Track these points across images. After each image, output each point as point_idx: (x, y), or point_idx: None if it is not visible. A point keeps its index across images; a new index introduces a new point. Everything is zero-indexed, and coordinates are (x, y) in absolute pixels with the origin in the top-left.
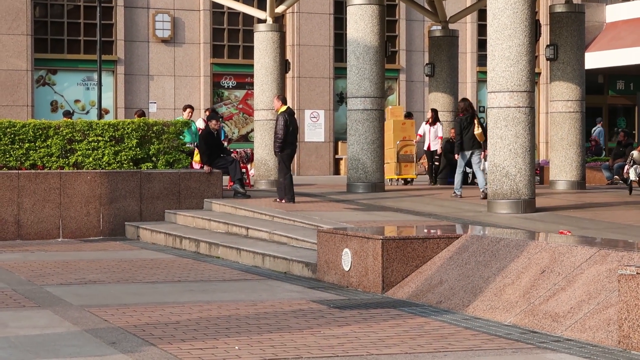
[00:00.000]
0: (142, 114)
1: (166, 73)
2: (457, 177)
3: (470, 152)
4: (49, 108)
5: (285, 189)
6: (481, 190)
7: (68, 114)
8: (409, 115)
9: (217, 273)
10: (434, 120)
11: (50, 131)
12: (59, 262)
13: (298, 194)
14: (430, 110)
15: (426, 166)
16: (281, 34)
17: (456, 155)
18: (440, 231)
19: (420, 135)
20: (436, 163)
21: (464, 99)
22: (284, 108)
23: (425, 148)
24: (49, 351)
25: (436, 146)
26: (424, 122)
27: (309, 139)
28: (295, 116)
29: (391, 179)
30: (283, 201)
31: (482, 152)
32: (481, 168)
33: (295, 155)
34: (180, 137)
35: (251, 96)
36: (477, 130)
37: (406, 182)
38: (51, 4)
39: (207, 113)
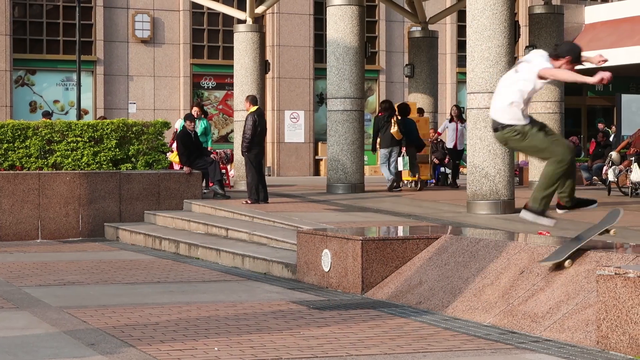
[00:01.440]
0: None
1: (146, 73)
2: (383, 169)
3: (389, 149)
4: (27, 108)
5: (251, 190)
6: (387, 180)
7: (47, 114)
8: (420, 111)
9: (196, 274)
10: (459, 117)
11: (29, 132)
12: (38, 263)
13: (278, 194)
14: (453, 107)
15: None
16: (261, 35)
17: (373, 151)
18: (419, 232)
19: (439, 133)
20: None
21: (385, 101)
22: (253, 108)
23: (451, 146)
24: (27, 352)
25: (462, 144)
26: (447, 119)
27: (289, 140)
28: (275, 117)
29: (406, 181)
30: (249, 202)
31: (401, 148)
32: (402, 163)
33: (275, 156)
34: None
35: (231, 97)
36: (394, 129)
37: (422, 184)
38: (30, 4)
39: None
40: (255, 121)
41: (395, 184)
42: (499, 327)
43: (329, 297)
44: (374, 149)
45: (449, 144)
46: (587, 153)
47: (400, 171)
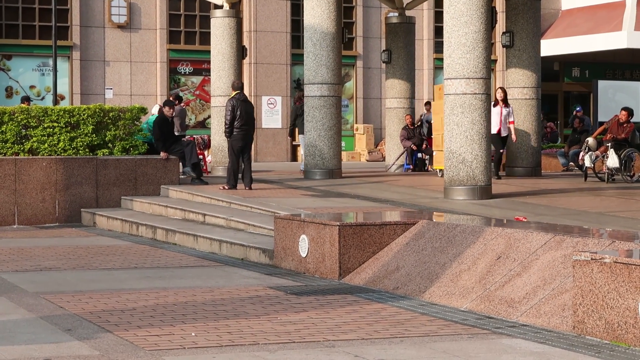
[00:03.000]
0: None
1: (122, 59)
2: (303, 151)
3: (302, 136)
4: (3, 94)
5: (229, 175)
6: (302, 169)
7: (27, 99)
8: None
9: (173, 259)
10: (504, 100)
11: (5, 117)
12: (14, 248)
13: (256, 180)
14: (498, 89)
15: (383, 153)
16: (238, 20)
17: (290, 137)
18: (397, 217)
19: (513, 122)
20: (500, 151)
21: (301, 90)
22: (233, 93)
23: (495, 132)
24: (4, 338)
25: (506, 132)
26: (492, 104)
27: (266, 126)
28: (252, 103)
29: (441, 170)
30: (225, 187)
31: None
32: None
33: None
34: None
35: (208, 82)
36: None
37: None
38: None
39: (172, 99)
40: (233, 106)
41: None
42: (475, 312)
43: (306, 282)
44: (290, 135)
45: (493, 130)
46: (564, 139)
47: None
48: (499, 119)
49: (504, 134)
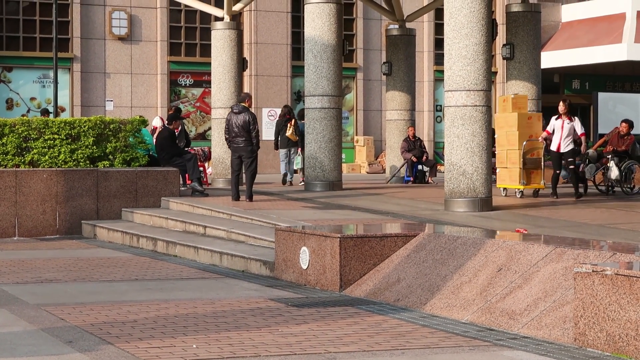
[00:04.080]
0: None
1: (123, 71)
2: (282, 166)
3: (287, 149)
4: (4, 106)
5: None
6: (288, 180)
7: (46, 112)
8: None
9: (174, 271)
10: (569, 113)
11: (5, 129)
12: (15, 260)
13: (256, 192)
14: (561, 103)
15: (384, 164)
16: (238, 32)
17: (275, 149)
18: (397, 229)
19: (549, 133)
20: (571, 167)
21: (285, 106)
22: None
23: (554, 149)
24: (5, 350)
25: (568, 146)
26: (553, 117)
27: (267, 137)
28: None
29: (505, 189)
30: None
31: (297, 149)
32: (295, 163)
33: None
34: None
35: (208, 94)
36: (289, 132)
37: (535, 193)
38: (7, 0)
39: (172, 112)
40: (227, 119)
41: (286, 178)
42: (477, 324)
43: (307, 294)
44: (275, 148)
45: (553, 146)
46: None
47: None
48: (560, 134)
49: (563, 149)
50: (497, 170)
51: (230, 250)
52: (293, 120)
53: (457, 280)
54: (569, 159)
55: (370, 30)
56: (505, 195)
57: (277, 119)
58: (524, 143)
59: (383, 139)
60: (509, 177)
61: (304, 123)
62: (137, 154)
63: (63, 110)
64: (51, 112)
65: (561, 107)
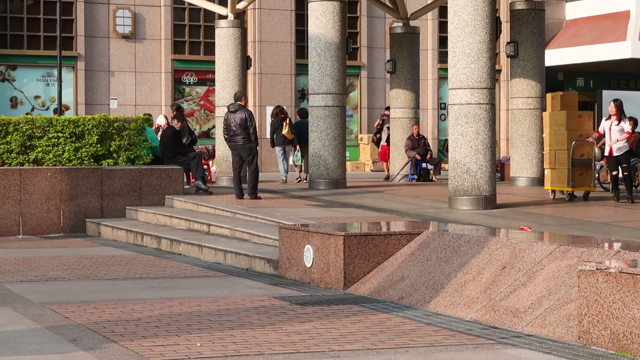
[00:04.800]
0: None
1: (127, 69)
2: (280, 165)
3: (282, 147)
4: (8, 104)
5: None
6: (282, 178)
7: (59, 111)
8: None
9: (178, 270)
10: (618, 114)
11: (10, 127)
12: (19, 259)
13: (260, 190)
14: (611, 103)
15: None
16: (242, 30)
17: (272, 147)
18: (401, 227)
19: (600, 133)
20: (625, 173)
21: (277, 106)
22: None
23: (607, 153)
24: (9, 348)
25: (621, 150)
26: (604, 118)
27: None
28: (257, 113)
29: (553, 191)
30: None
31: (292, 147)
32: (290, 161)
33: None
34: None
35: (212, 92)
36: (284, 130)
37: (586, 196)
38: None
39: (172, 112)
40: (224, 119)
41: (284, 179)
42: (481, 323)
43: (311, 292)
44: (272, 146)
45: (606, 150)
46: None
47: (299, 165)
48: (609, 136)
49: (616, 152)
50: (545, 172)
51: (234, 248)
52: (288, 119)
53: (461, 278)
54: (624, 165)
55: (374, 28)
56: (554, 198)
57: (272, 119)
58: (573, 143)
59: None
60: (557, 178)
61: (303, 121)
62: (141, 152)
63: (67, 108)
64: (64, 111)
65: (611, 107)
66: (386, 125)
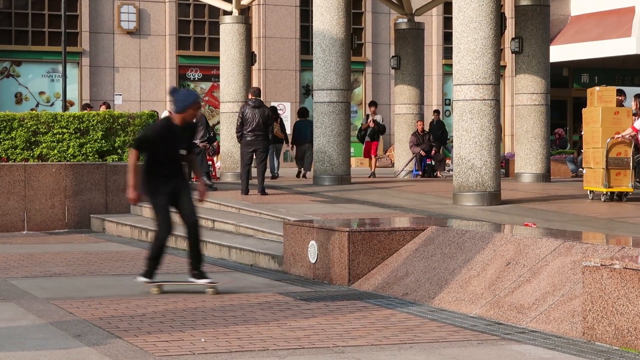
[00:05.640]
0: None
1: (132, 65)
2: (269, 162)
3: (273, 145)
4: (13, 100)
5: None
6: (272, 174)
7: (88, 106)
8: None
9: (182, 265)
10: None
11: (14, 123)
12: (24, 254)
13: (265, 186)
14: (634, 96)
15: (392, 158)
16: (247, 26)
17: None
18: (406, 223)
19: (636, 130)
20: None
21: (271, 107)
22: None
23: None
24: (13, 344)
25: None
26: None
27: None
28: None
29: (592, 192)
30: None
31: (283, 145)
32: (278, 157)
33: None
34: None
35: (217, 88)
36: (275, 129)
37: (619, 197)
38: None
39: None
40: (242, 112)
41: (273, 173)
42: (485, 318)
43: (315, 288)
44: None
45: None
46: (573, 145)
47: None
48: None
49: None
50: (584, 171)
51: (238, 244)
52: (279, 120)
53: (466, 274)
54: None
55: (379, 24)
56: (592, 199)
57: None
58: (608, 141)
59: (392, 133)
60: (593, 178)
61: (300, 121)
62: None
63: (72, 104)
64: (92, 107)
65: (634, 104)
66: (371, 119)
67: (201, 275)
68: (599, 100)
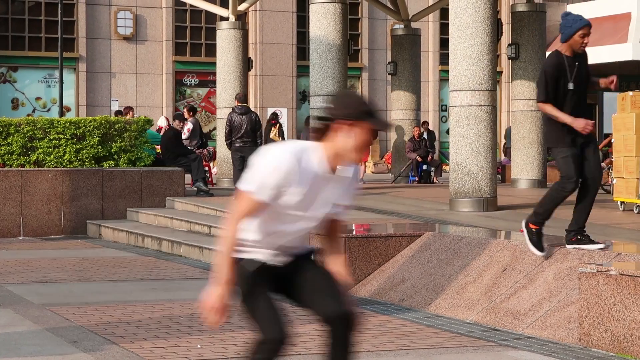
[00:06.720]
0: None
1: (128, 70)
2: None
3: None
4: (9, 105)
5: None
6: None
7: (120, 113)
8: None
9: (179, 271)
10: None
11: (11, 129)
12: (20, 260)
13: None
14: None
15: (389, 164)
16: (244, 32)
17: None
18: (402, 229)
19: None
20: None
21: (273, 113)
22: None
23: None
24: (9, 350)
25: None
26: None
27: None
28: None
29: (623, 203)
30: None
31: None
32: None
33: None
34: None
35: (214, 94)
36: (272, 134)
37: None
38: (12, 0)
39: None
40: (229, 119)
41: None
42: (481, 325)
43: None
44: None
45: None
46: None
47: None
48: None
49: None
50: (614, 181)
51: None
52: (278, 125)
53: (462, 281)
54: None
55: (376, 30)
56: (623, 210)
57: (265, 124)
58: None
59: (388, 139)
60: (625, 189)
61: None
62: (143, 153)
63: (68, 110)
64: (65, 112)
65: None
66: None
67: None
68: (633, 106)
